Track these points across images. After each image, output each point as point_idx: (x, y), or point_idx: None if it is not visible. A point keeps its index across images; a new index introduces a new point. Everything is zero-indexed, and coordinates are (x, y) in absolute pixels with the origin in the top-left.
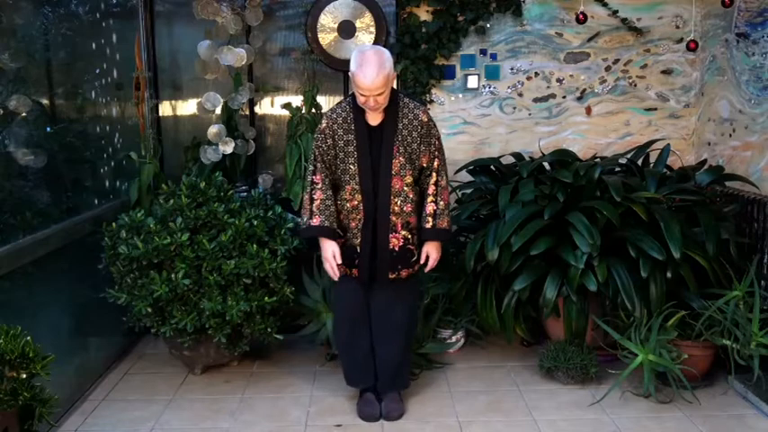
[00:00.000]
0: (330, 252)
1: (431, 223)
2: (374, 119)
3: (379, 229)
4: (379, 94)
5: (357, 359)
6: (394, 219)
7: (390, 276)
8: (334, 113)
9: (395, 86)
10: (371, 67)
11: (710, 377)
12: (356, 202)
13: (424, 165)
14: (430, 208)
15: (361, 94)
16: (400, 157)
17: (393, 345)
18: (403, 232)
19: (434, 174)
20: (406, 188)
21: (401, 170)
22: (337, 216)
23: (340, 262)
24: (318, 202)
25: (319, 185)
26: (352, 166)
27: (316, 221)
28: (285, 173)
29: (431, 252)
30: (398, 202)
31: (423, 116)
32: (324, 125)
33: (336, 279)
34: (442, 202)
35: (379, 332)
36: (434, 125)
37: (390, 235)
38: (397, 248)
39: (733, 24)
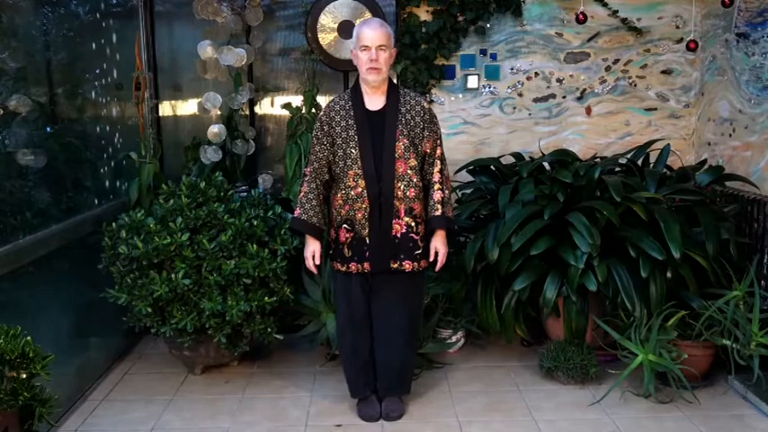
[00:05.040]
0: (310, 251)
1: (440, 210)
2: (374, 104)
3: (383, 214)
4: (381, 49)
5: (360, 367)
6: (397, 204)
7: (392, 265)
8: (333, 102)
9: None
10: (374, 21)
11: (710, 377)
12: (360, 189)
13: (428, 151)
14: (438, 195)
15: (365, 47)
16: (404, 140)
17: (394, 348)
18: (406, 219)
19: (439, 162)
20: (410, 171)
21: (405, 153)
22: (342, 208)
23: (318, 263)
24: (302, 194)
25: (307, 177)
26: (353, 150)
27: (296, 213)
28: (285, 173)
29: (439, 247)
30: (402, 187)
31: (425, 103)
32: (321, 114)
33: (315, 273)
34: (447, 191)
35: (380, 334)
36: (435, 115)
37: (393, 221)
38: (399, 235)
39: (733, 24)
